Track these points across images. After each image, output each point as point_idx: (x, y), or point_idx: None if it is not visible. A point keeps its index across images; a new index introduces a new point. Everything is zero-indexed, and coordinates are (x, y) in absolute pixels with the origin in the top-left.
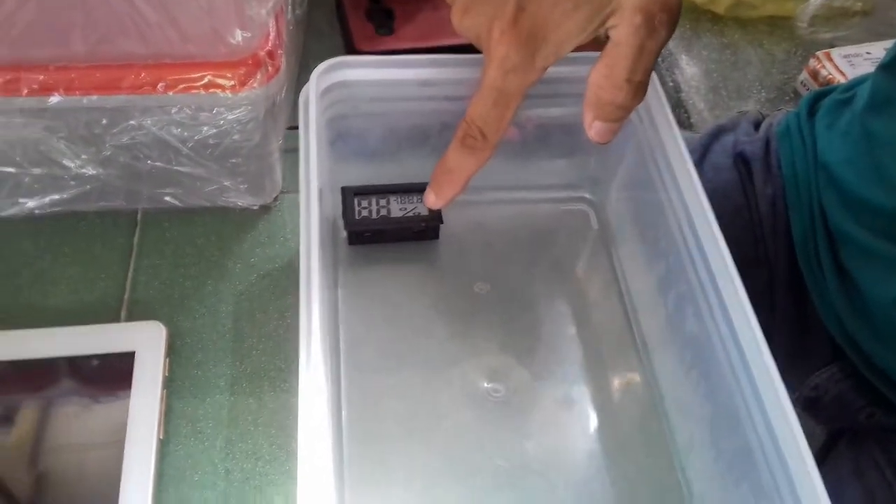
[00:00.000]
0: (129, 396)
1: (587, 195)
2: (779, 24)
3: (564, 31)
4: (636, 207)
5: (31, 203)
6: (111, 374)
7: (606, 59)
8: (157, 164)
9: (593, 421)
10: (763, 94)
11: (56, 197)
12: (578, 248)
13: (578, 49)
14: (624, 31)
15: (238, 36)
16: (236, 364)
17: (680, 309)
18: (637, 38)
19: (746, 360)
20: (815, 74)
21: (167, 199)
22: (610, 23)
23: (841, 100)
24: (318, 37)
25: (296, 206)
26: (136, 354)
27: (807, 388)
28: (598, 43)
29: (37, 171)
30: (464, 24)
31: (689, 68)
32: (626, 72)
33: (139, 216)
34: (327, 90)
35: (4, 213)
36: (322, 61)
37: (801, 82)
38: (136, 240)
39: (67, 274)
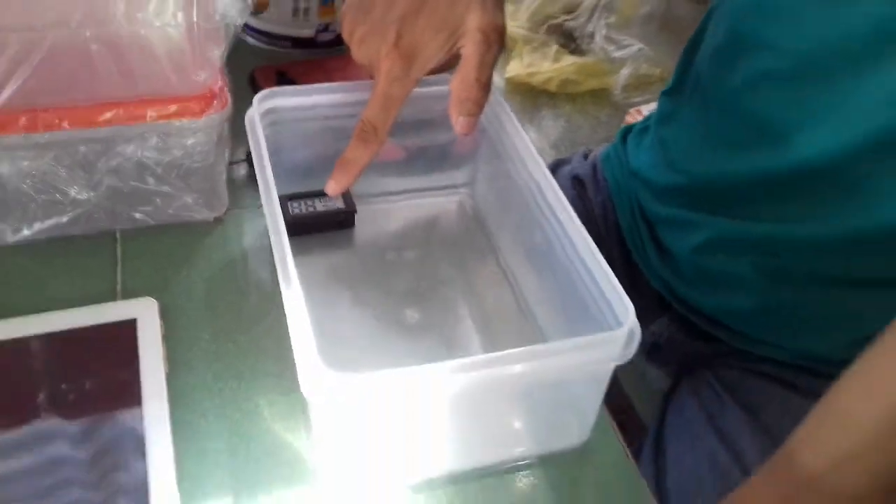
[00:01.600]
0: (138, 348)
1: (462, 190)
2: (599, 95)
3: (431, 49)
4: (498, 193)
5: (33, 229)
6: (122, 335)
7: (461, 69)
8: (137, 184)
9: (479, 326)
10: (593, 146)
11: (54, 221)
12: (460, 227)
13: (440, 68)
14: (471, 47)
15: (201, 76)
16: (213, 323)
17: (543, 245)
18: (480, 51)
19: (577, 249)
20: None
21: (139, 216)
22: (460, 42)
23: (642, 127)
24: (241, 108)
25: (241, 218)
26: (137, 320)
27: (647, 336)
28: (451, 66)
29: (42, 197)
30: (360, 53)
31: (532, 134)
32: (475, 73)
33: (118, 234)
34: (264, 114)
35: (10, 241)
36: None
37: None
38: (119, 252)
39: (67, 283)
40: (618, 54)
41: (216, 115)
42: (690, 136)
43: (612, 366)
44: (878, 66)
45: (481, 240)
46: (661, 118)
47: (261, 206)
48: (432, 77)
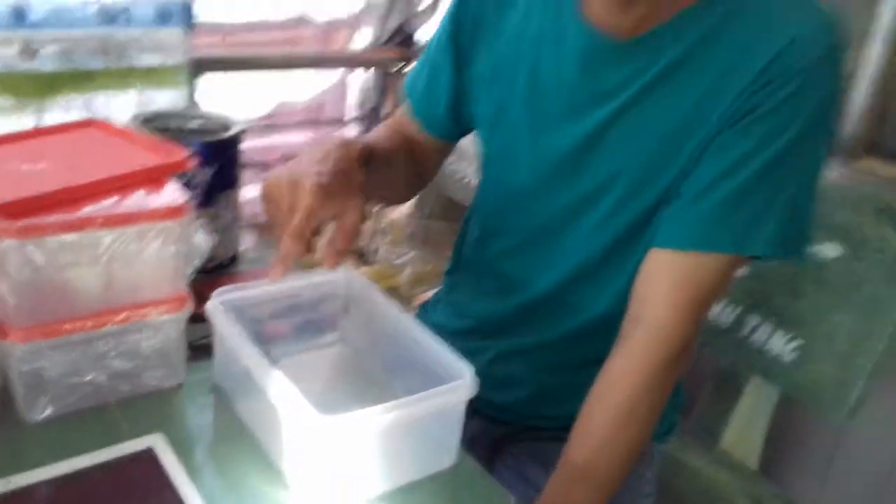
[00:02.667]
0: (163, 466)
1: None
2: (392, 291)
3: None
4: (370, 336)
5: (54, 407)
6: (145, 462)
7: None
8: (127, 364)
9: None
10: None
11: (72, 399)
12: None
13: None
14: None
15: (181, 286)
16: (208, 445)
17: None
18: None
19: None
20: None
21: (127, 388)
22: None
23: (434, 299)
24: None
25: (195, 383)
26: (153, 448)
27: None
28: None
29: (65, 382)
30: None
31: None
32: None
33: (113, 404)
34: (221, 303)
35: (37, 419)
36: None
37: None
38: (118, 415)
39: (82, 439)
40: (398, 261)
41: (187, 310)
42: (470, 295)
43: (464, 402)
44: (569, 230)
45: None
46: (448, 289)
47: (203, 378)
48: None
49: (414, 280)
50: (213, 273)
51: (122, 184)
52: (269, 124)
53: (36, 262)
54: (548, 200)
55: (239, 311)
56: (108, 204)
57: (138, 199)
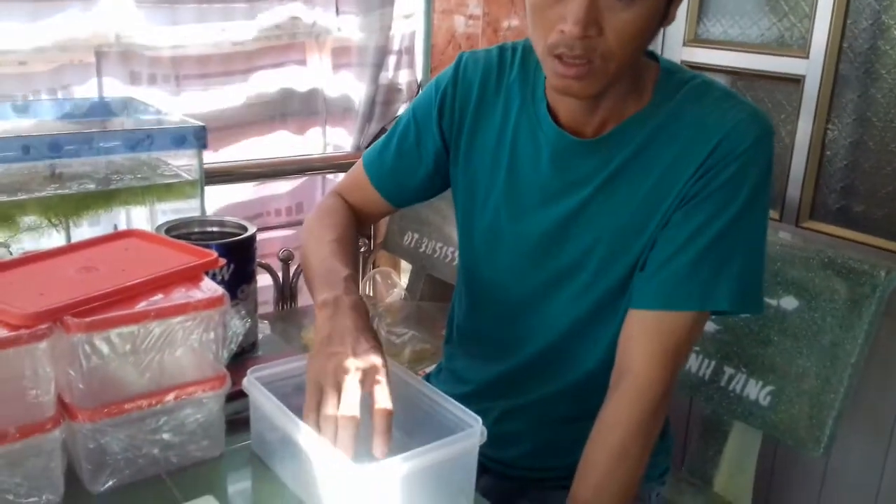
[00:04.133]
0: None
1: None
2: None
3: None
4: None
5: (115, 478)
6: None
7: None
8: (176, 437)
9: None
10: None
11: (130, 471)
12: None
13: None
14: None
15: (220, 366)
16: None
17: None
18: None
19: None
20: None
21: (175, 460)
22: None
23: (436, 370)
24: None
25: (233, 453)
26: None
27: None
28: None
29: (125, 455)
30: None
31: None
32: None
33: (164, 476)
34: (256, 378)
35: (99, 490)
36: None
37: None
38: (170, 484)
39: None
40: (398, 341)
41: (226, 387)
42: (467, 362)
43: (476, 448)
44: (552, 299)
45: None
46: (447, 358)
47: (241, 448)
48: None
49: (415, 358)
50: (238, 358)
51: (166, 282)
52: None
53: (101, 351)
54: (530, 275)
55: (270, 385)
56: (156, 299)
57: (181, 294)
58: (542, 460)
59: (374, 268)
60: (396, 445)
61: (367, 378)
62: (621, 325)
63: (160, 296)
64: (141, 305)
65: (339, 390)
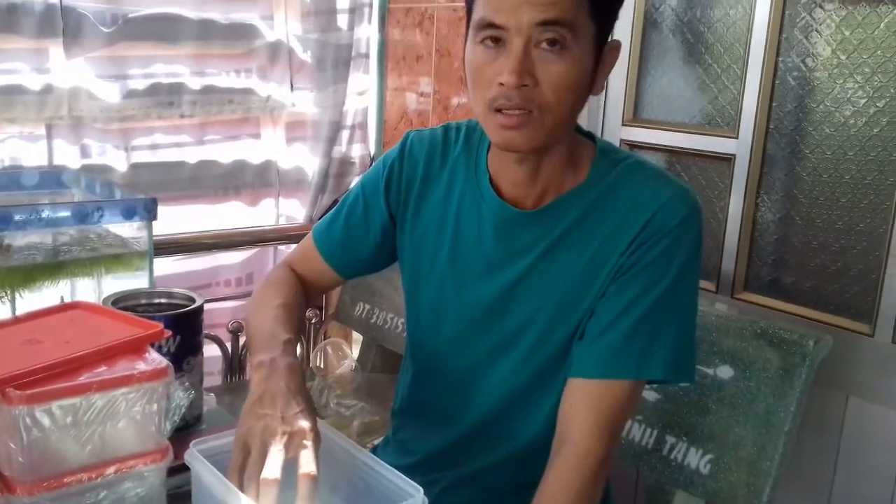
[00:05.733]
0: None
1: None
2: None
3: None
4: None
5: None
6: None
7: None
8: None
9: None
10: None
11: None
12: None
13: None
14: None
15: (162, 439)
16: None
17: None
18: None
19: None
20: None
21: None
22: None
23: (384, 442)
24: None
25: None
26: None
27: None
28: None
29: None
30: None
31: None
32: None
33: None
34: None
35: None
36: None
37: None
38: None
39: None
40: (348, 413)
41: (169, 459)
42: (414, 433)
43: None
44: (495, 367)
45: None
46: (394, 431)
47: None
48: None
49: (364, 430)
50: (182, 431)
51: (110, 354)
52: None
53: (42, 424)
54: (474, 343)
55: (213, 458)
56: (99, 371)
57: (125, 366)
58: None
59: (325, 339)
60: None
61: (293, 442)
62: (561, 394)
63: (103, 367)
64: (83, 377)
65: (264, 453)
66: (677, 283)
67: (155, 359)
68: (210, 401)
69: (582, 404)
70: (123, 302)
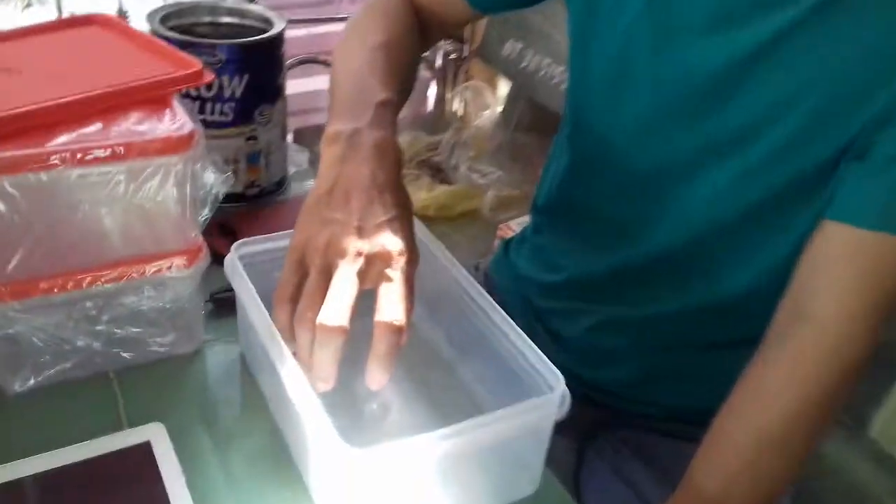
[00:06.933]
0: (158, 465)
1: None
2: (471, 215)
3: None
4: (428, 299)
5: (40, 377)
6: (139, 458)
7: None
8: (131, 328)
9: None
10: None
11: (59, 368)
12: None
13: None
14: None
15: (191, 235)
16: (215, 437)
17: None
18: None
19: (498, 325)
20: (503, 239)
21: (128, 356)
22: None
23: (519, 239)
24: None
25: (214, 348)
26: (151, 442)
27: None
28: None
29: (50, 349)
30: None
31: None
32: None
33: (111, 374)
34: (241, 258)
35: (17, 390)
36: None
37: (497, 246)
38: (117, 389)
39: (75, 422)
40: (481, 181)
41: (201, 264)
42: (562, 241)
43: (551, 422)
44: (702, 178)
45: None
46: (534, 229)
47: (228, 339)
48: None
49: (498, 204)
50: (256, 202)
51: (111, 104)
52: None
53: None
54: (672, 138)
55: (265, 270)
56: (90, 131)
57: (130, 125)
58: (641, 391)
59: (466, 80)
60: (440, 372)
61: (373, 268)
62: (800, 241)
63: (96, 126)
64: (59, 141)
65: (326, 279)
66: None
67: (179, 119)
68: (300, 157)
69: (844, 265)
70: (178, 19)
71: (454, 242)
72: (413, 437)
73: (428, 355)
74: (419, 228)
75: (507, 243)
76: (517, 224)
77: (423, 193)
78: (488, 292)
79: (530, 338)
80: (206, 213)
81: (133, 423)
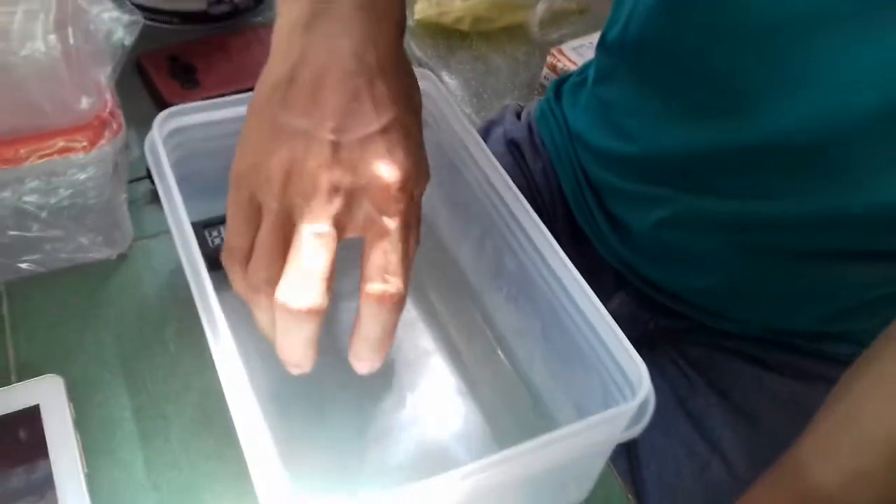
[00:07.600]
0: (46, 443)
1: None
2: (515, 32)
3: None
4: (445, 191)
5: None
6: (22, 429)
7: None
8: (17, 233)
9: (447, 363)
10: (516, 91)
11: None
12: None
13: None
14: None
15: (84, 103)
16: (135, 395)
17: (498, 256)
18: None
19: (558, 277)
20: (553, 68)
21: (26, 266)
22: None
23: (577, 82)
24: (127, 100)
25: (149, 250)
26: (40, 407)
27: None
28: None
29: None
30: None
31: (450, 81)
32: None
33: (2, 291)
34: (167, 136)
35: None
36: (136, 122)
37: (545, 76)
38: (6, 314)
39: None
40: None
41: (108, 146)
42: (637, 99)
43: (620, 431)
44: (873, 28)
45: (433, 239)
46: (598, 75)
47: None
48: None
49: (550, 18)
50: (225, 25)
51: None
52: None
53: None
54: None
55: (211, 152)
56: None
57: None
58: (721, 302)
59: None
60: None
61: (358, 210)
62: None
63: None
64: None
65: (288, 227)
66: None
67: None
68: None
69: None
70: None
71: (492, 69)
72: (420, 481)
73: (448, 287)
74: (436, 92)
75: (558, 85)
76: (572, 50)
77: (457, 2)
78: (532, 151)
79: (584, 221)
80: (108, 73)
81: (24, 368)
